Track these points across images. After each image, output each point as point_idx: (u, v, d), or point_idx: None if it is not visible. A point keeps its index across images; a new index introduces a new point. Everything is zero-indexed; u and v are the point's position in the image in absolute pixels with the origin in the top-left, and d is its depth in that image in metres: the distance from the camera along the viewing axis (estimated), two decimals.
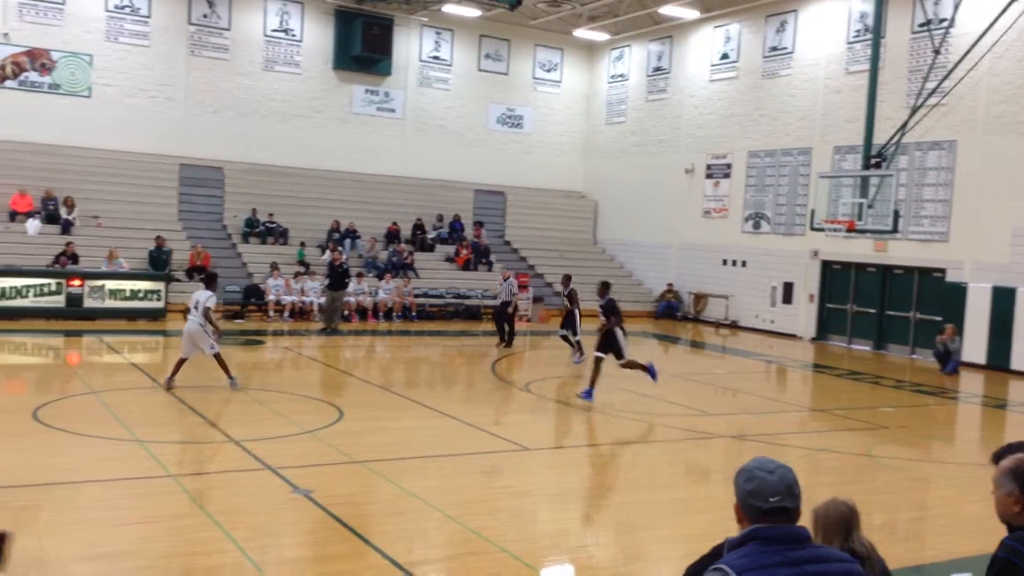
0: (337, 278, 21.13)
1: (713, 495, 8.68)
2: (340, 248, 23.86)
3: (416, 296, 24.94)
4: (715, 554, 2.92)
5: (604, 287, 14.03)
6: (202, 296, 12.71)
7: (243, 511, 7.58)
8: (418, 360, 19.27)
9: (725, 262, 27.09)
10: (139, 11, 25.94)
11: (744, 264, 26.47)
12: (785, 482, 2.83)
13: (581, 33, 30.98)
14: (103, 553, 6.55)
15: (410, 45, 30.04)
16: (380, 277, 24.94)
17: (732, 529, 2.87)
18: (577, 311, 18.00)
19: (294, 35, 28.23)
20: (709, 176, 27.91)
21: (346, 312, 22.67)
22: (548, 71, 32.56)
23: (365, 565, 6.58)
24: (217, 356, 12.68)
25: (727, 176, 27.29)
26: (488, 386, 15.47)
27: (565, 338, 18.67)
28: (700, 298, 27.84)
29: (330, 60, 28.77)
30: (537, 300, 26.56)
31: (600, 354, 13.36)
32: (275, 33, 27.95)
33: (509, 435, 10.79)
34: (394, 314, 24.14)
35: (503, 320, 20.28)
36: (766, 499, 2.79)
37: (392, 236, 27.91)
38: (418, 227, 28.91)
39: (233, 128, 27.05)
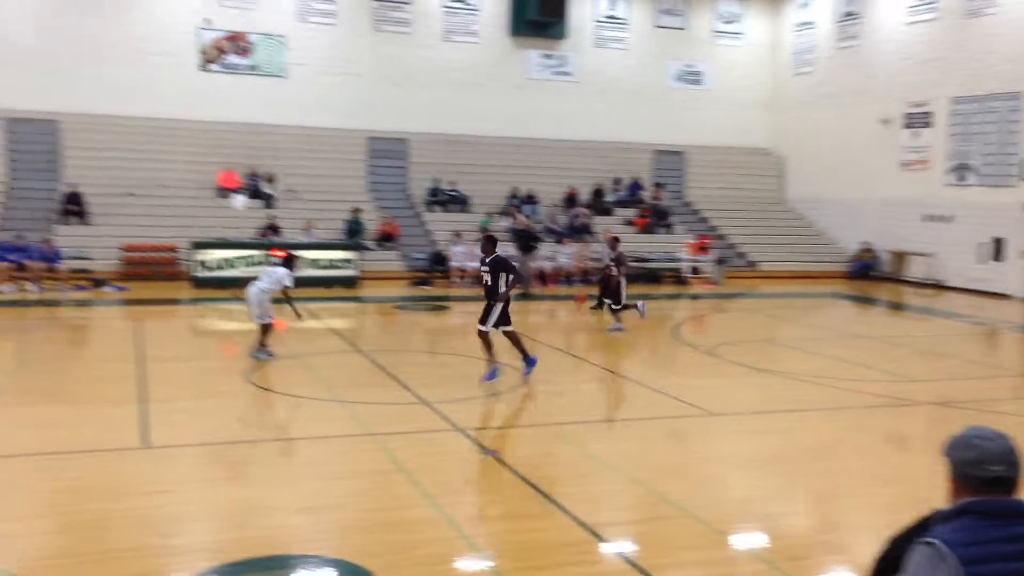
0: (525, 242, 21.27)
1: (914, 464, 8.23)
2: (525, 214, 24.14)
3: (596, 260, 24.90)
4: (921, 526, 2.76)
5: (615, 240, 16.45)
6: (281, 273, 12.60)
7: (436, 469, 7.89)
8: (598, 324, 19.29)
9: (927, 217, 25.38)
10: None
11: (948, 219, 24.70)
12: (1007, 451, 2.65)
13: None
14: (315, 506, 7.00)
15: (584, 6, 29.78)
16: (560, 242, 25.08)
17: (936, 501, 2.71)
18: (623, 277, 16.08)
19: (471, 3, 28.61)
20: (908, 126, 26.14)
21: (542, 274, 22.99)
22: (728, 23, 31.42)
23: (552, 524, 6.69)
24: (266, 327, 12.44)
25: (927, 125, 25.47)
26: (671, 350, 15.30)
27: (600, 306, 17.33)
28: (899, 257, 26.26)
29: (506, 27, 28.99)
30: (720, 262, 25.92)
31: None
32: (453, 4, 28.43)
33: (694, 399, 10.63)
34: (574, 279, 24.24)
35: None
36: (987, 468, 2.62)
37: (570, 200, 27.96)
38: (597, 191, 28.81)
39: (416, 100, 27.83)
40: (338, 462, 8.20)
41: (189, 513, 6.88)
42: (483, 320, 11.35)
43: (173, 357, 12.82)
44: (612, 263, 16.07)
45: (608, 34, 30.23)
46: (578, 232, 26.07)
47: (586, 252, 24.72)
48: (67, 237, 21.72)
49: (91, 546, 6.09)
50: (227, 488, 7.45)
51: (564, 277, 24.18)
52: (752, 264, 27.35)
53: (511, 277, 11.27)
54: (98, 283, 20.44)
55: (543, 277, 23.62)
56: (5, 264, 19.60)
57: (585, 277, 24.25)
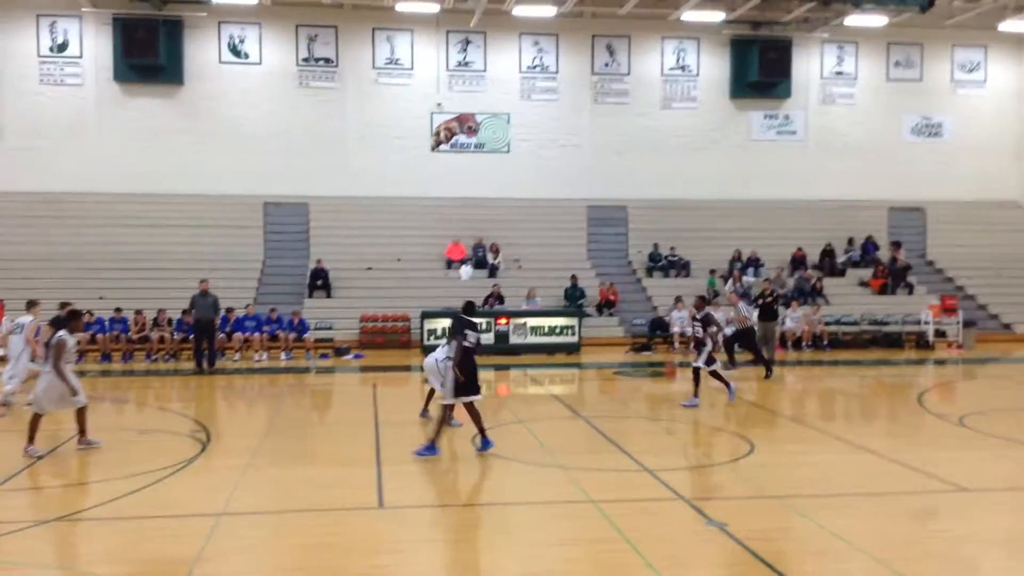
0: (768, 308, 20.42)
1: None
2: (768, 278, 23.49)
3: (827, 324, 23.72)
4: None
5: (702, 301, 14.95)
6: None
7: (659, 539, 7.66)
8: (832, 391, 18.23)
9: None
10: (548, 69, 28.10)
11: None
12: None
13: (1007, 26, 27.64)
14: (537, 571, 6.99)
15: (810, 64, 29.04)
16: (787, 305, 24.12)
17: None
18: (710, 340, 14.87)
19: (691, 71, 28.68)
20: None
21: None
22: (969, 72, 29.52)
23: None
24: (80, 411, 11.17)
25: None
26: (915, 419, 14.16)
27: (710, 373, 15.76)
28: None
29: (726, 90, 28.77)
30: (969, 324, 23.89)
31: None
32: (672, 71, 28.62)
33: (943, 474, 9.73)
34: (803, 343, 23.16)
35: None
36: None
37: (798, 262, 26.92)
38: (827, 251, 27.59)
39: (634, 167, 28.08)
40: (559, 528, 8.17)
41: (417, 573, 7.08)
42: (697, 359, 13.77)
43: (405, 422, 13.39)
44: (699, 324, 14.66)
45: (836, 90, 29.27)
46: (807, 295, 24.98)
47: (816, 315, 23.60)
48: (313, 309, 23.50)
49: None
50: (453, 550, 7.61)
51: (792, 341, 23.17)
52: (1006, 327, 25.01)
53: (715, 329, 13.70)
54: (340, 352, 21.91)
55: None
56: (259, 335, 21.46)
57: (815, 341, 23.12)
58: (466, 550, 7.60)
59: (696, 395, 14.46)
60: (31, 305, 14.05)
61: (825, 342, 23.30)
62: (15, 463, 10.31)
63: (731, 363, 18.61)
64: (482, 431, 10.91)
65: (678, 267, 26.87)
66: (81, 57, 26.49)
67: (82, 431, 11.10)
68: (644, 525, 8.05)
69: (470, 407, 10.91)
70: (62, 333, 10.86)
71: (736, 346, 19.28)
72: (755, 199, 28.28)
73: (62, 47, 26.46)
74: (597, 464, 10.38)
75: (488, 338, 21.90)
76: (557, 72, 28.23)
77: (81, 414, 11.06)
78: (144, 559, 7.26)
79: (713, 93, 28.77)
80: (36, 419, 10.79)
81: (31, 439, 10.70)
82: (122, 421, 14.15)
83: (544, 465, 10.45)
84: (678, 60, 28.68)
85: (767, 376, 17.89)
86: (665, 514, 8.45)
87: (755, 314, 19.62)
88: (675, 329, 23.09)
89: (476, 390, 10.91)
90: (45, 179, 25.85)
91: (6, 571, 6.92)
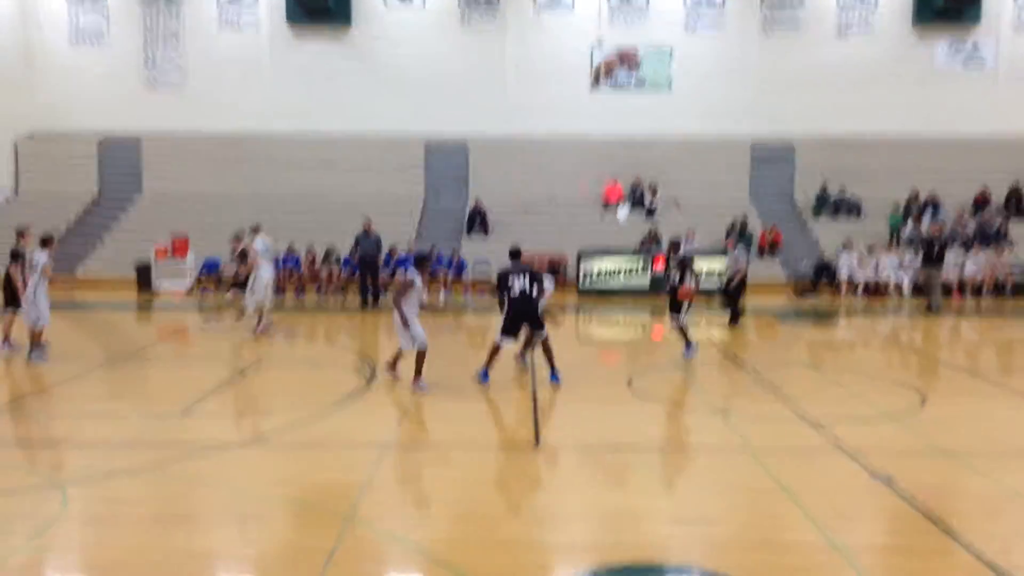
0: (934, 253, 19.28)
1: None
2: (939, 219, 22.13)
3: (1013, 271, 22.10)
4: None
5: (675, 245, 14.09)
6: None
7: (820, 491, 7.45)
8: (1013, 342, 17.05)
9: None
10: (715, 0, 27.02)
11: None
12: None
13: None
14: (686, 517, 6.96)
15: None
16: (967, 249, 22.60)
17: None
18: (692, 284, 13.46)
19: None
20: None
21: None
22: None
23: (953, 563, 6.01)
24: (420, 355, 11.15)
25: None
26: None
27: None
28: None
29: (909, 16, 26.89)
30: None
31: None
32: None
33: None
34: (984, 290, 21.70)
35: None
36: None
37: (980, 204, 25.10)
38: (1014, 191, 25.57)
39: (803, 102, 26.79)
40: (715, 475, 8.07)
41: (572, 513, 7.18)
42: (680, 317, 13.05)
43: (561, 364, 13.50)
44: (676, 270, 13.81)
45: None
46: (990, 238, 23.31)
47: (1000, 261, 22.02)
48: (472, 249, 23.92)
49: (485, 536, 6.60)
50: (607, 492, 7.67)
51: (972, 288, 21.76)
52: None
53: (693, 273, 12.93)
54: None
55: (948, 289, 21.42)
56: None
57: (997, 288, 21.63)
58: (621, 493, 7.64)
59: (689, 344, 13.27)
60: (46, 242, 13.32)
61: (1008, 289, 21.74)
62: (200, 389, 11.12)
63: (734, 319, 17.11)
64: (524, 356, 12.25)
65: (848, 208, 25.60)
66: (257, 0, 27.59)
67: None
68: (804, 476, 7.84)
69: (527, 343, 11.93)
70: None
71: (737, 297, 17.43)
72: (936, 135, 26.43)
73: None
74: (757, 412, 10.16)
75: (644, 281, 21.71)
76: (724, 2, 27.10)
77: None
78: (316, 484, 7.71)
79: (894, 20, 26.91)
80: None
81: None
82: (295, 353, 14.98)
83: (701, 411, 10.32)
84: None
85: (732, 323, 16.93)
86: (827, 465, 8.19)
87: (749, 265, 17.95)
88: (843, 273, 22.10)
89: (509, 333, 11.36)
90: (223, 120, 27.28)
91: (189, 489, 7.52)
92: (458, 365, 13.26)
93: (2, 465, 8.29)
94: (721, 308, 17.66)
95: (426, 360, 11.10)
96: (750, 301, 20.96)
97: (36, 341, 12.84)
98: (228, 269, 20.75)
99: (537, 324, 11.49)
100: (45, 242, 13.25)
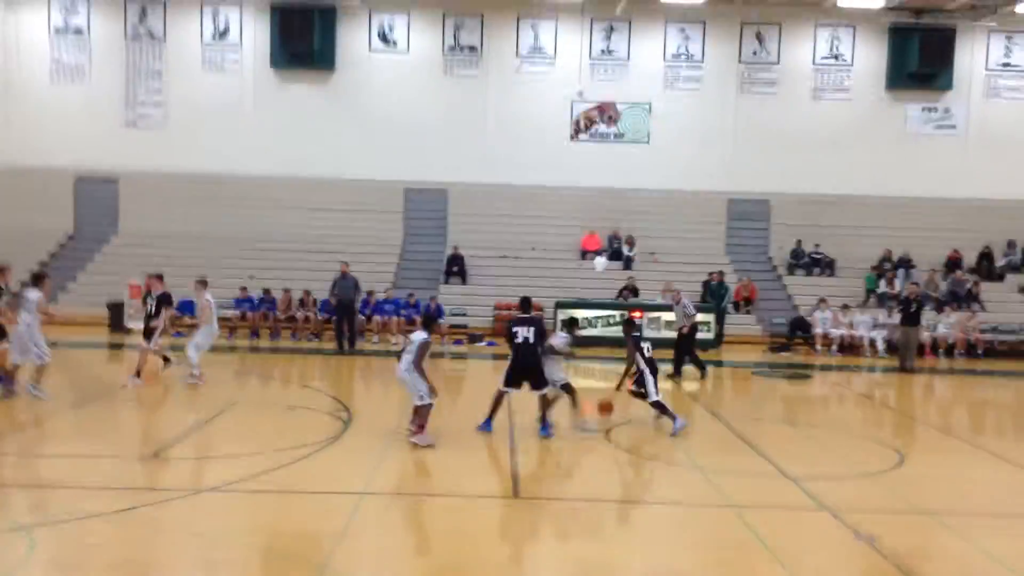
0: (912, 313, 19.45)
1: None
2: (911, 279, 22.43)
3: (983, 331, 22.39)
4: None
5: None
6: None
7: (803, 550, 7.41)
8: (987, 403, 17.21)
9: None
10: (693, 57, 27.57)
11: None
12: None
13: None
14: (672, 571, 6.88)
15: (975, 54, 27.42)
16: (939, 310, 22.90)
17: None
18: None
19: (845, 60, 27.58)
20: None
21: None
22: None
23: None
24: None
25: None
26: None
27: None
28: None
29: (882, 81, 27.53)
30: None
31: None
32: (824, 60, 27.57)
33: None
34: (956, 351, 21.95)
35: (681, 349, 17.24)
36: None
37: (952, 264, 25.51)
38: (984, 254, 26.03)
39: (779, 161, 27.23)
40: (695, 531, 8.01)
41: (548, 565, 7.08)
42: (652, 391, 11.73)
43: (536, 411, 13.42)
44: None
45: (1002, 83, 27.52)
46: (961, 300, 23.65)
47: (971, 322, 22.32)
48: (449, 295, 23.89)
49: None
50: (583, 544, 7.57)
51: (944, 349, 21.99)
52: None
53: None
54: (473, 338, 22.20)
55: (921, 349, 21.63)
56: (397, 319, 21.98)
57: (970, 350, 21.89)
58: (600, 546, 7.55)
59: (675, 419, 11.83)
60: (38, 279, 13.61)
61: (980, 351, 22.00)
62: (173, 432, 10.91)
63: (677, 372, 17.11)
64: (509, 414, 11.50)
65: (822, 265, 25.91)
66: (241, 44, 27.73)
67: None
68: (786, 534, 7.79)
69: (542, 397, 11.32)
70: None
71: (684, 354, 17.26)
72: (908, 196, 26.91)
73: (223, 33, 27.76)
74: (735, 467, 10.13)
75: (618, 331, 21.73)
76: (702, 61, 27.62)
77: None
78: (290, 532, 7.55)
79: (868, 83, 27.53)
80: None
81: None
82: (269, 396, 14.79)
83: (680, 465, 10.27)
84: (831, 48, 27.57)
85: (702, 377, 17.04)
86: (809, 524, 8.16)
87: (697, 316, 17.96)
88: (818, 330, 22.29)
89: (511, 384, 11.28)
90: (203, 161, 27.18)
91: (160, 535, 7.33)
92: (437, 414, 13.14)
93: None
94: (673, 363, 17.34)
95: (409, 409, 10.96)
96: (726, 355, 21.07)
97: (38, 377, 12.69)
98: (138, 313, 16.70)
99: (538, 379, 11.31)
100: (37, 279, 13.11)
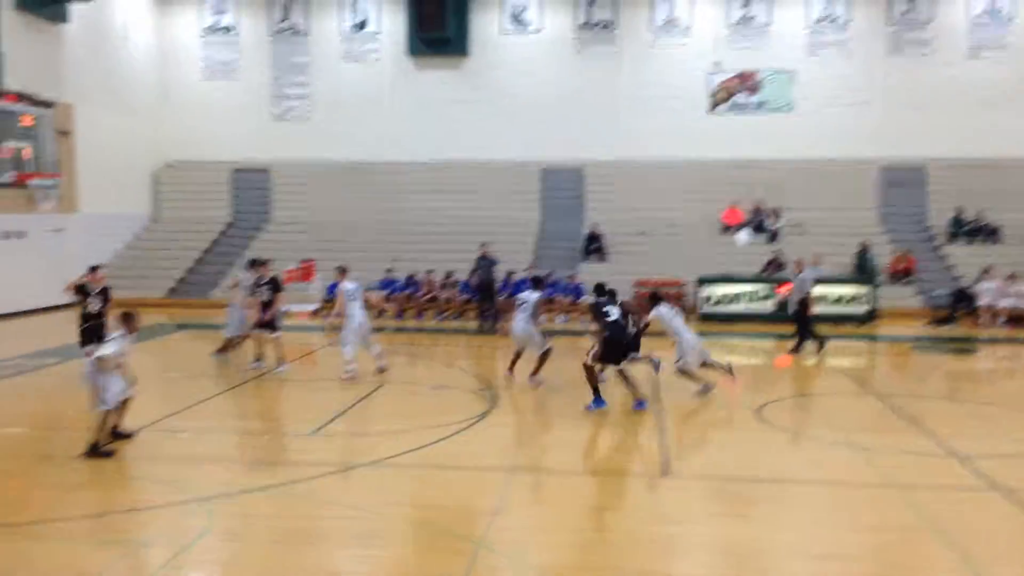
0: None
1: None
2: None
3: None
4: None
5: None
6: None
7: (976, 532, 6.99)
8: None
9: None
10: (838, 20, 26.35)
11: None
12: None
13: None
14: (831, 554, 6.64)
15: None
16: None
17: None
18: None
19: (1003, 14, 25.77)
20: None
21: None
22: None
23: None
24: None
25: None
26: None
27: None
28: None
29: None
30: None
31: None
32: (980, 16, 25.85)
33: None
34: None
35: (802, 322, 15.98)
36: None
37: None
38: None
39: (933, 124, 25.76)
40: (856, 511, 7.69)
41: (697, 544, 6.97)
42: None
43: (684, 388, 13.22)
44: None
45: None
46: None
47: None
48: (588, 274, 23.80)
49: (612, 565, 6.45)
50: (733, 524, 7.40)
51: None
52: None
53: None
54: None
55: None
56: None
57: None
58: (755, 527, 7.36)
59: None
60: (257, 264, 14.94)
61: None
62: (331, 409, 11.35)
63: (798, 348, 16.11)
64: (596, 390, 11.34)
65: (985, 233, 24.33)
66: (379, 33, 28.42)
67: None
68: (954, 516, 7.38)
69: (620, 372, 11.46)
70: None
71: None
72: None
73: (361, 25, 28.52)
74: (896, 445, 9.67)
75: (767, 306, 21.14)
76: (848, 23, 26.36)
77: None
78: (445, 507, 7.72)
79: None
80: None
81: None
82: (417, 376, 15.16)
83: (834, 443, 9.89)
84: (990, 2, 25.76)
85: (795, 351, 16.11)
86: (979, 505, 7.70)
87: (813, 290, 16.56)
88: (983, 301, 20.98)
89: (612, 360, 11.41)
90: (346, 149, 28.09)
91: (324, 508, 7.64)
92: (579, 391, 13.13)
93: (153, 480, 8.63)
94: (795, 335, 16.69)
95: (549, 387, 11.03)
96: (882, 329, 20.13)
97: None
98: (246, 304, 15.03)
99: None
100: (253, 265, 14.99)
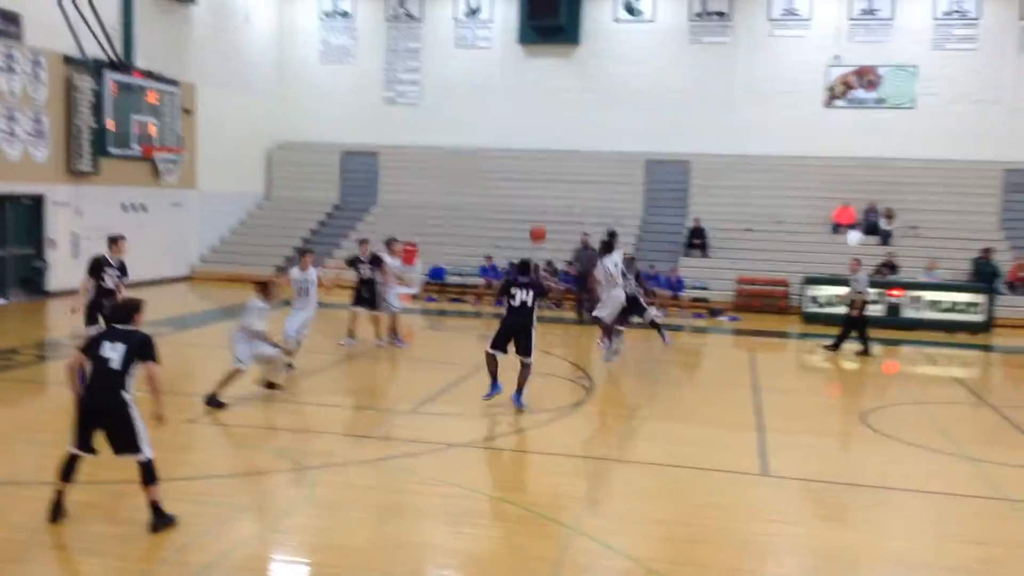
0: None
1: None
2: None
3: None
4: None
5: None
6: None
7: None
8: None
9: None
10: (968, 14, 25.17)
11: None
12: None
13: None
14: (922, 563, 6.42)
15: None
16: None
17: None
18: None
19: None
20: None
21: None
22: None
23: None
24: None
25: None
26: None
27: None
28: None
29: None
30: None
31: None
32: None
33: None
34: None
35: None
36: None
37: None
38: None
39: None
40: (962, 524, 7.38)
41: (790, 548, 6.81)
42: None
43: (784, 389, 12.94)
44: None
45: None
46: None
47: None
48: (689, 268, 23.48)
49: (705, 560, 6.36)
50: (845, 530, 7.20)
51: None
52: None
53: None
54: (714, 312, 21.71)
55: None
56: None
57: None
58: (853, 533, 7.14)
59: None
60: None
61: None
62: (430, 389, 11.52)
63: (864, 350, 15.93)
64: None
65: None
66: (491, 20, 28.56)
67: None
68: None
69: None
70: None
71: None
72: None
73: (474, 12, 28.72)
74: (1009, 458, 9.23)
75: (879, 310, 20.42)
76: (978, 18, 25.15)
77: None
78: (538, 491, 7.76)
79: None
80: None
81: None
82: (513, 361, 15.22)
83: (945, 453, 9.50)
84: None
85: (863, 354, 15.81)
86: None
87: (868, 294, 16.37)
88: None
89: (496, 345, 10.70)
90: (454, 135, 28.36)
91: (421, 485, 7.77)
92: (679, 386, 13.04)
93: (260, 448, 8.95)
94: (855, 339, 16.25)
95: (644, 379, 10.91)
96: (998, 339, 19.23)
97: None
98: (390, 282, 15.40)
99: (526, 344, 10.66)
100: (389, 244, 15.82)
